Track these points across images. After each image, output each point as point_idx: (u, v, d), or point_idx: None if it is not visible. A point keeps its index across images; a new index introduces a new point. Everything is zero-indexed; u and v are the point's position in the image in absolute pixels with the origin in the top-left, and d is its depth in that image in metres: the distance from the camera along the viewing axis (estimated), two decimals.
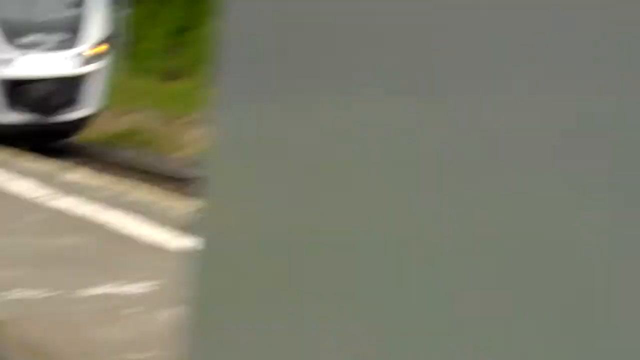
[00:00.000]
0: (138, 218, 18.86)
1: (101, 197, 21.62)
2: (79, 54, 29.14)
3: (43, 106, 27.92)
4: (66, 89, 28.09)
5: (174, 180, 29.76)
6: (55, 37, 28.62)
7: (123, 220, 18.62)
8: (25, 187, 22.70)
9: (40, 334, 11.17)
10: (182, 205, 20.08)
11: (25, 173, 25.37)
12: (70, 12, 29.67)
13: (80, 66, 28.68)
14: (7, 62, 29.35)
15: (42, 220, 18.83)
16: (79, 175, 24.50)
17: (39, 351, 10.66)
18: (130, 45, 46.53)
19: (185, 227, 16.72)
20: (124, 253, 15.89)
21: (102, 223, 18.57)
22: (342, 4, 4.01)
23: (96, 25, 28.80)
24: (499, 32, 3.38)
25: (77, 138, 35.36)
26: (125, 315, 11.88)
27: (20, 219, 18.96)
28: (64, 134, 31.80)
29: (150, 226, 18.07)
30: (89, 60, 28.95)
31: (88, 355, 10.36)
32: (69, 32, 28.60)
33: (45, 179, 23.97)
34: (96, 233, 17.61)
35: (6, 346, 10.83)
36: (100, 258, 15.39)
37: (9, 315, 12.05)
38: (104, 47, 28.51)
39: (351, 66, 3.71)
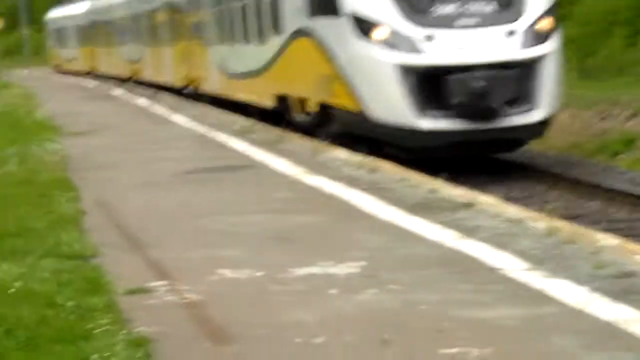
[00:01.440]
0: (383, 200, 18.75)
1: (353, 177, 21.60)
2: (523, 30, 20.90)
3: (477, 107, 19.95)
4: (511, 80, 20.21)
5: None
6: (484, 6, 20.71)
7: (367, 201, 18.60)
8: (285, 166, 22.94)
9: (229, 316, 11.16)
10: None
11: (286, 153, 25.63)
12: None
13: (527, 47, 20.61)
14: (411, 45, 21.01)
15: (288, 199, 18.98)
16: (339, 153, 24.36)
17: (222, 333, 10.65)
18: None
19: None
20: (350, 232, 15.85)
21: (346, 201, 18.59)
22: None
23: None
24: None
25: (525, 149, 27.07)
26: (323, 295, 11.83)
27: (269, 196, 19.42)
28: (507, 146, 23.81)
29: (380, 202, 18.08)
30: (537, 38, 20.84)
31: (272, 338, 10.31)
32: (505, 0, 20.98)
33: (305, 158, 24.20)
34: (334, 211, 17.70)
35: (190, 327, 10.86)
36: (323, 237, 15.44)
37: (205, 296, 12.13)
38: (550, 21, 20.76)
39: None
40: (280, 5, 27.16)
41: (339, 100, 21.72)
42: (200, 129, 33.68)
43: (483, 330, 10.32)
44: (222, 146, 27.98)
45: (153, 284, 12.77)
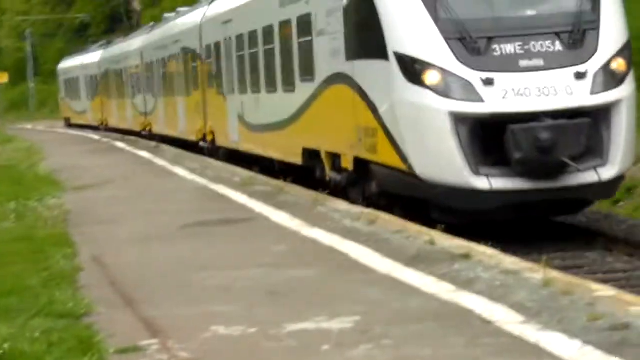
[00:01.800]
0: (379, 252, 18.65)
1: (351, 228, 21.54)
2: (595, 73, 17.90)
3: (543, 163, 17.07)
4: (581, 131, 17.37)
5: None
6: (550, 45, 17.61)
7: (364, 253, 18.49)
8: (284, 218, 23.00)
9: None
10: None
11: (285, 205, 25.73)
12: (572, 1, 18.32)
13: (599, 92, 17.66)
14: (467, 90, 17.95)
15: (285, 252, 18.81)
16: (339, 204, 24.44)
17: None
18: None
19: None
20: (345, 286, 15.73)
21: (343, 253, 18.50)
22: None
23: (614, 24, 17.88)
24: None
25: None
26: (315, 352, 11.86)
27: (266, 249, 19.29)
28: (570, 207, 20.76)
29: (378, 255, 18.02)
30: (610, 82, 17.91)
31: None
32: (571, 36, 17.72)
33: (304, 210, 24.29)
34: (330, 264, 17.65)
35: None
36: (318, 291, 15.34)
37: (196, 354, 12.17)
38: (624, 62, 17.87)
39: None
40: (311, 48, 25.02)
41: (381, 156, 18.93)
42: (201, 181, 33.81)
43: None
44: (222, 199, 28.08)
45: (145, 342, 12.75)
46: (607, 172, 17.16)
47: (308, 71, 24.64)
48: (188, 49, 45.72)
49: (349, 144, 20.74)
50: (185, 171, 37.86)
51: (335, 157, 23.22)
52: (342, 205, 24.88)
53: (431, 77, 16.83)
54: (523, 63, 16.82)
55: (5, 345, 12.07)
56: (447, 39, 17.11)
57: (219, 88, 39.72)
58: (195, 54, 44.42)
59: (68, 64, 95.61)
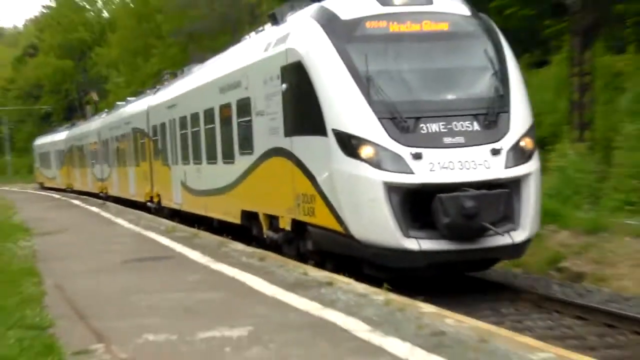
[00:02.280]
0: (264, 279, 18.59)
1: (247, 263, 21.55)
2: (507, 150, 17.34)
3: (468, 227, 16.21)
4: (499, 200, 16.72)
5: None
6: (469, 125, 17.10)
7: (257, 282, 18.42)
8: (197, 256, 23.05)
9: None
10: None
11: (198, 246, 25.84)
12: (487, 88, 17.78)
13: (512, 166, 17.15)
14: (399, 163, 16.84)
15: (198, 281, 18.79)
16: (237, 245, 24.74)
17: None
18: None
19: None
20: (242, 304, 15.79)
21: (241, 282, 18.28)
22: None
23: (522, 109, 17.54)
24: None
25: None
26: (220, 352, 11.97)
27: (184, 279, 19.20)
28: (484, 265, 19.59)
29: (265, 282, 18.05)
30: (520, 158, 17.43)
31: None
32: (487, 118, 17.11)
33: (212, 249, 24.39)
34: (232, 289, 17.59)
35: None
36: (222, 309, 15.34)
37: (132, 355, 12.23)
38: (531, 141, 17.70)
39: None
40: (251, 126, 23.06)
41: (318, 219, 17.54)
42: (136, 229, 33.61)
43: None
44: (151, 241, 27.93)
45: (93, 346, 12.74)
46: (519, 236, 16.35)
47: (247, 146, 23.26)
48: (137, 128, 44.18)
49: (286, 207, 19.47)
50: (124, 221, 37.42)
51: (272, 218, 21.74)
52: (239, 246, 24.78)
53: (366, 151, 15.80)
54: (447, 140, 16.04)
55: None
56: (379, 118, 16.06)
57: (164, 160, 37.49)
58: (143, 133, 42.67)
59: (41, 141, 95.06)
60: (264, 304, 15.76)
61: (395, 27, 17.13)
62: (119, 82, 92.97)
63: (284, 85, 18.73)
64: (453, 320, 13.46)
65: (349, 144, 16.03)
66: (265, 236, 21.49)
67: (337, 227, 16.56)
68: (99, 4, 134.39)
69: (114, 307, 16.15)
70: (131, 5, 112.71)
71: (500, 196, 16.21)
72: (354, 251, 16.76)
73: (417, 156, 15.70)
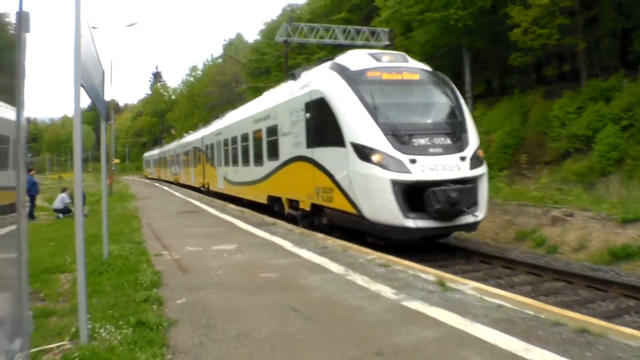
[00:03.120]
0: (244, 222, 18.79)
1: (237, 213, 21.40)
2: (470, 157, 15.44)
3: (451, 211, 14.30)
4: (470, 192, 14.81)
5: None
6: (444, 140, 15.38)
7: (240, 222, 18.37)
8: (213, 211, 23.11)
9: (189, 263, 11.25)
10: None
11: (214, 205, 25.97)
12: (452, 117, 16.09)
13: (474, 168, 15.30)
14: (401, 166, 14.71)
15: (213, 223, 18.59)
16: (232, 206, 24.94)
17: (184, 267, 10.81)
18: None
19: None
20: (233, 234, 15.64)
21: (232, 222, 18.14)
22: None
23: (473, 131, 16.06)
24: None
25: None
26: (222, 256, 12.02)
27: (205, 221, 18.80)
28: (447, 235, 17.46)
29: (245, 223, 18.15)
30: (477, 163, 15.65)
31: (202, 270, 10.54)
32: (455, 136, 15.40)
33: (220, 207, 24.62)
34: (228, 227, 17.35)
35: (175, 267, 10.99)
36: (223, 236, 15.23)
37: (181, 256, 12.23)
38: (481, 152, 16.14)
39: None
40: (277, 143, 19.65)
41: (335, 204, 14.88)
42: (183, 197, 33.13)
43: (275, 267, 10.55)
44: (191, 204, 27.48)
45: (163, 252, 12.71)
46: (479, 216, 14.31)
47: (273, 155, 20.07)
48: (196, 147, 40.43)
49: (307, 194, 16.72)
50: (179, 193, 36.89)
51: (292, 201, 18.64)
52: (232, 206, 24.65)
53: (377, 158, 13.52)
54: (431, 150, 13.95)
55: (115, 252, 12.07)
56: (385, 134, 13.83)
57: (212, 164, 33.64)
58: (199, 149, 38.80)
59: (146, 154, 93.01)
60: (243, 233, 15.59)
61: (386, 76, 15.47)
62: (179, 129, 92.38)
63: (308, 114, 16.51)
64: (332, 241, 13.41)
65: (364, 152, 13.88)
66: (286, 213, 19.04)
67: (351, 209, 14.25)
68: (170, 92, 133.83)
69: (172, 233, 15.97)
70: (184, 92, 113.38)
71: (472, 189, 14.22)
72: (362, 227, 14.47)
73: (413, 161, 13.69)
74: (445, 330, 6.48)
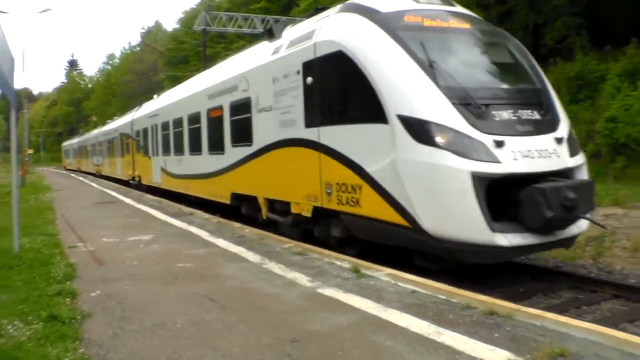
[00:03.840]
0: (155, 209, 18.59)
1: (154, 204, 21.18)
2: (566, 139, 9.57)
3: (561, 220, 8.46)
4: (592, 191, 9.11)
5: None
6: (531, 114, 9.38)
7: (156, 212, 18.14)
8: (129, 201, 22.75)
9: (104, 255, 11.03)
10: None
11: (130, 196, 25.56)
12: (534, 82, 10.49)
13: (574, 156, 9.56)
14: (481, 151, 8.65)
15: (130, 213, 18.23)
16: (149, 196, 24.91)
17: (99, 258, 10.59)
18: None
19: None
20: (150, 224, 15.41)
21: (149, 212, 17.94)
22: None
23: (559, 103, 10.37)
24: None
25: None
26: (138, 246, 11.85)
27: (122, 212, 18.44)
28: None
29: (162, 213, 18.01)
30: (576, 148, 9.82)
31: (118, 262, 10.35)
32: (542, 108, 9.66)
33: (137, 197, 24.22)
34: (144, 217, 17.06)
35: (90, 259, 10.76)
36: (141, 226, 14.99)
37: (96, 248, 11.98)
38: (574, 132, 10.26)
39: None
40: (248, 123, 14.23)
41: (364, 209, 9.98)
42: (100, 188, 32.41)
43: (192, 257, 10.47)
44: (108, 194, 26.95)
45: (78, 244, 12.41)
46: (582, 225, 9.58)
47: (243, 139, 14.56)
48: (124, 134, 34.26)
49: (305, 194, 11.73)
50: (96, 185, 36.05)
51: (275, 203, 13.38)
52: (149, 196, 24.31)
53: (446, 138, 8.68)
54: (519, 128, 9.15)
55: (27, 246, 11.72)
56: (453, 104, 8.96)
57: (146, 152, 27.50)
58: (128, 136, 32.55)
59: (65, 144, 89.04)
60: (160, 224, 15.40)
61: (428, 22, 10.44)
62: (99, 118, 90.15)
63: (309, 79, 11.35)
64: (249, 230, 13.35)
65: (423, 131, 8.89)
66: (264, 217, 13.89)
67: (396, 218, 9.26)
68: (87, 80, 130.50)
69: (88, 225, 15.55)
70: (101, 81, 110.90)
71: (591, 186, 9.39)
72: (415, 244, 9.40)
73: (500, 144, 8.79)
74: (359, 316, 6.55)
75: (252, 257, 10.26)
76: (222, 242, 11.90)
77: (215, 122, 16.96)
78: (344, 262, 9.53)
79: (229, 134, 15.83)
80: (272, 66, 13.06)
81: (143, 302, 7.52)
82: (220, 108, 16.55)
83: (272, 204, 13.63)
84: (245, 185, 14.90)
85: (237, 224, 14.56)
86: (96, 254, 11.21)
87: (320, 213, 11.44)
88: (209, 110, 17.48)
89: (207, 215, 16.55)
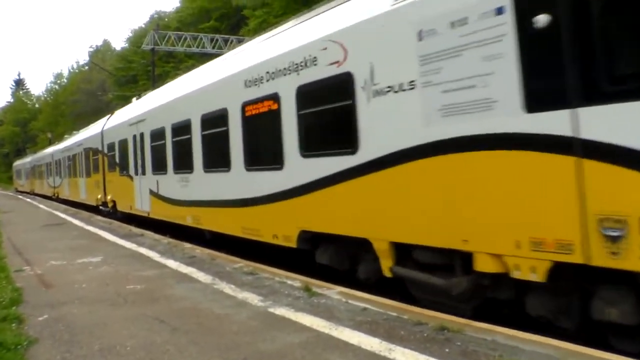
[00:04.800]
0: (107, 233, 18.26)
1: (104, 225, 20.98)
2: None
3: None
4: None
5: None
6: None
7: (105, 234, 18.01)
8: (79, 223, 22.34)
9: (52, 278, 10.82)
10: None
11: (79, 217, 25.11)
12: None
13: None
14: None
15: (78, 235, 17.82)
16: (98, 217, 24.72)
17: (47, 282, 10.38)
18: None
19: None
20: (99, 246, 15.21)
21: (97, 234, 17.67)
22: None
23: None
24: None
25: None
26: (87, 269, 11.64)
27: (70, 234, 18.02)
28: None
29: (112, 235, 17.65)
30: None
31: (67, 285, 10.12)
32: None
33: (86, 219, 23.98)
34: (95, 238, 16.70)
35: (37, 283, 10.52)
36: (89, 248, 14.72)
37: (44, 271, 11.73)
38: None
39: None
40: (353, 116, 8.50)
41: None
42: (49, 209, 31.81)
43: (141, 278, 10.33)
44: (56, 216, 26.46)
45: (25, 267, 12.15)
46: None
47: (335, 143, 8.96)
48: (91, 149, 27.41)
49: (527, 239, 6.04)
50: (44, 206, 35.42)
51: (415, 251, 7.71)
52: (99, 217, 23.96)
53: None
54: None
55: None
56: None
57: (124, 171, 21.16)
58: (97, 151, 25.74)
59: (16, 163, 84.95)
60: (110, 245, 15.14)
61: None
62: (45, 137, 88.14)
63: (541, 18, 5.63)
64: (200, 251, 13.27)
65: None
66: (386, 273, 8.21)
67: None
68: (34, 100, 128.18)
69: (36, 248, 15.25)
70: (49, 101, 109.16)
71: None
72: None
73: None
74: (310, 334, 6.53)
75: (203, 277, 10.17)
76: (172, 263, 11.77)
77: (260, 122, 11.27)
78: (295, 280, 9.50)
79: (295, 137, 10.08)
80: (415, 12, 7.54)
81: (92, 325, 7.38)
82: (273, 98, 10.74)
83: (405, 251, 8.05)
84: (337, 219, 9.06)
85: (187, 245, 14.42)
86: (44, 278, 10.96)
87: (563, 275, 6.16)
88: (247, 105, 11.70)
89: (157, 236, 16.33)
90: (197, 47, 36.39)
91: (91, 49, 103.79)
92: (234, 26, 48.56)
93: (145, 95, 23.11)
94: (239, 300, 8.32)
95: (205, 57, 34.05)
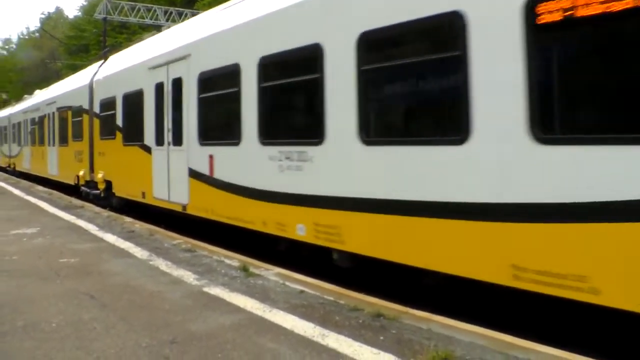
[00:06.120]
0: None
1: (44, 196, 20.54)
2: None
3: None
4: None
5: None
6: None
7: (45, 205, 17.44)
8: (19, 192, 21.69)
9: None
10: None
11: (20, 187, 24.34)
12: None
13: None
14: None
15: (17, 205, 17.20)
16: (39, 187, 23.94)
17: None
18: None
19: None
20: (37, 217, 14.74)
21: (37, 204, 17.14)
22: None
23: None
24: None
25: None
26: (21, 240, 11.25)
27: (10, 204, 17.45)
28: None
29: (51, 206, 17.28)
30: None
31: None
32: None
33: (27, 188, 23.19)
34: (34, 209, 16.21)
35: None
36: (26, 218, 14.30)
37: None
38: None
39: None
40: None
41: None
42: None
43: (77, 252, 10.02)
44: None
45: None
46: None
47: None
48: (72, 108, 20.29)
49: None
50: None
51: None
52: (40, 187, 23.45)
53: None
54: None
55: None
56: None
57: (132, 140, 14.37)
58: (81, 111, 18.87)
59: None
60: (48, 217, 14.71)
61: None
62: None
63: None
64: (139, 225, 12.98)
65: None
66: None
67: None
68: None
69: None
70: None
71: None
72: None
73: None
74: (243, 316, 6.34)
75: (139, 253, 9.89)
76: (110, 237, 11.45)
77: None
78: (234, 260, 9.31)
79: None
80: None
81: (18, 300, 7.05)
82: None
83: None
84: None
85: (127, 219, 14.09)
86: None
87: None
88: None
89: (97, 209, 15.93)
90: (151, 19, 35.62)
91: (42, 16, 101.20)
92: (189, 0, 47.83)
93: (172, 28, 16.06)
94: (174, 277, 8.09)
95: (158, 30, 33.17)
